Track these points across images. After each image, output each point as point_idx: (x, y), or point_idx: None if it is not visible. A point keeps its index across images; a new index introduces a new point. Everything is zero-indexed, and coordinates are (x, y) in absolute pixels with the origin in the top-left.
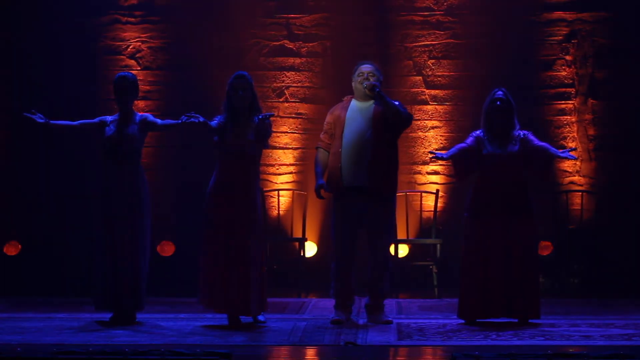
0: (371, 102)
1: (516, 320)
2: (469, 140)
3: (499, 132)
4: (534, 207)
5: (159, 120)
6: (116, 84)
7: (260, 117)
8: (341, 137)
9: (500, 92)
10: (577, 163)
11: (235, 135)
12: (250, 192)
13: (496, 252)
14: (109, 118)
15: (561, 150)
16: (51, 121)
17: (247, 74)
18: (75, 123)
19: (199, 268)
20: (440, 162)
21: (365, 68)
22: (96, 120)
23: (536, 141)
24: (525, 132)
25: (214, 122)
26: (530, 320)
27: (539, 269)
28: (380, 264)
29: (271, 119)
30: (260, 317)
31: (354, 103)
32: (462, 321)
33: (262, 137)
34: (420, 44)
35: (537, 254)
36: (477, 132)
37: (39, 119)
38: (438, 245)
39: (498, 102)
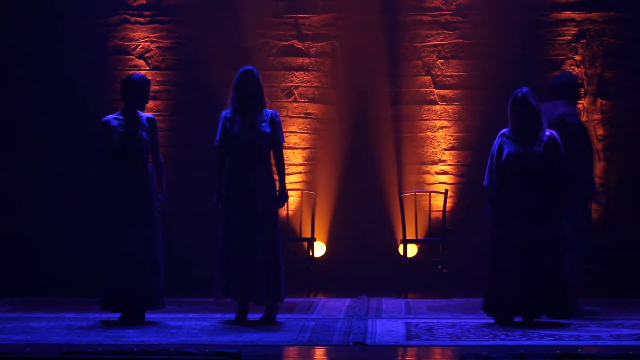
0: None
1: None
2: (495, 148)
3: (522, 132)
4: (559, 207)
5: (158, 137)
6: (124, 86)
7: None
8: None
9: (520, 93)
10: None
11: (244, 128)
12: (267, 181)
13: (518, 252)
14: (110, 119)
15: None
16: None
17: (254, 69)
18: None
19: (217, 263)
20: (449, 162)
21: None
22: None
23: (560, 153)
24: (552, 132)
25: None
26: (540, 320)
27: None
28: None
29: (281, 118)
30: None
31: None
32: (485, 320)
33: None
34: (429, 43)
35: (562, 254)
36: (505, 130)
37: None
38: (447, 246)
39: (518, 104)
